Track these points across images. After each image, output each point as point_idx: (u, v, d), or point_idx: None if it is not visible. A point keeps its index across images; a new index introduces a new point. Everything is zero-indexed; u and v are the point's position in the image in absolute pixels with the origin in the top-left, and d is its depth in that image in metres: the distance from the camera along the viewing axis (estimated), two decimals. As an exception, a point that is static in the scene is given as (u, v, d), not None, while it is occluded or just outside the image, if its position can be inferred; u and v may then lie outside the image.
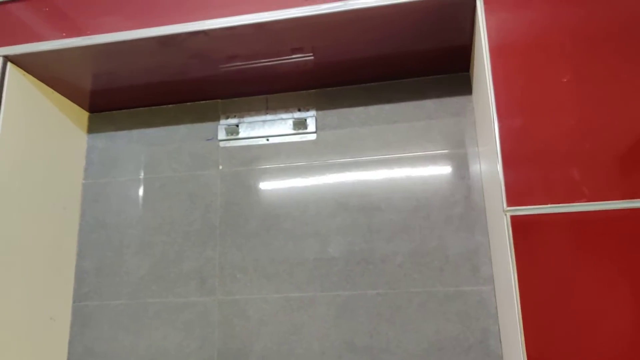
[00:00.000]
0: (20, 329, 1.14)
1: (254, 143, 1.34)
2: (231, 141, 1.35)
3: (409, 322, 1.16)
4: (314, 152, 1.30)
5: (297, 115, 1.33)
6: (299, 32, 1.12)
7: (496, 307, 1.13)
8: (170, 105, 1.41)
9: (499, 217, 0.91)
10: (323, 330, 1.19)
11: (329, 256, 1.23)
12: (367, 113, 1.30)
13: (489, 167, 1.02)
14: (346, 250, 1.22)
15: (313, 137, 1.31)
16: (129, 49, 1.13)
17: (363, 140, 1.28)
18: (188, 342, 1.24)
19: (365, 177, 1.26)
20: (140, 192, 1.37)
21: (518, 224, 0.85)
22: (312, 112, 1.32)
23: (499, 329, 1.11)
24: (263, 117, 1.34)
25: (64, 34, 1.12)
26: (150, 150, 1.39)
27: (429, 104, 1.27)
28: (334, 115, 1.32)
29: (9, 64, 1.16)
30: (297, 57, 1.22)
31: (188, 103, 1.41)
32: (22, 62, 1.18)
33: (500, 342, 1.10)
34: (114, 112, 1.44)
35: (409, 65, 1.25)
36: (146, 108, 1.43)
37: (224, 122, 1.36)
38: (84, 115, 1.44)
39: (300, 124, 1.31)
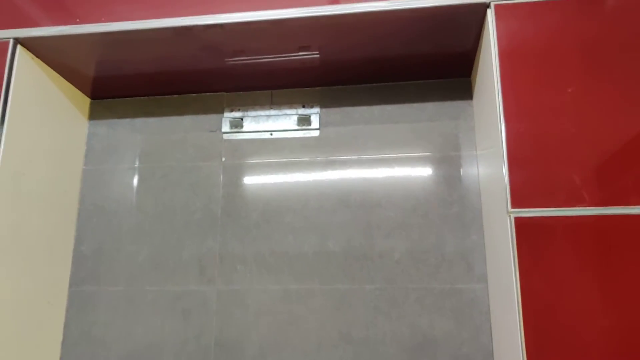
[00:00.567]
0: (18, 311, 1.14)
1: (257, 137, 1.36)
2: (235, 134, 1.37)
3: (405, 316, 1.20)
4: (317, 148, 1.33)
5: (302, 111, 1.35)
6: (310, 31, 1.14)
7: (488, 305, 1.17)
8: (174, 96, 1.42)
9: (502, 218, 0.95)
10: (320, 322, 1.22)
11: (328, 250, 1.26)
12: (370, 112, 1.33)
13: (491, 169, 1.07)
14: (345, 245, 1.26)
15: (316, 133, 1.34)
16: (143, 38, 1.14)
17: (365, 139, 1.32)
18: (186, 330, 1.26)
19: (367, 174, 1.29)
20: (141, 180, 1.37)
21: (522, 225, 0.90)
22: (316, 109, 1.35)
23: (491, 326, 1.16)
24: (267, 112, 1.37)
25: (78, 20, 1.12)
26: (153, 140, 1.40)
27: (430, 107, 1.31)
28: (337, 113, 1.35)
29: (18, 47, 1.16)
30: (303, 55, 1.24)
31: (193, 94, 1.42)
32: (32, 45, 1.17)
33: (492, 338, 1.15)
34: (116, 99, 1.44)
35: (412, 68, 1.29)
36: (150, 97, 1.43)
37: (228, 115, 1.38)
38: (86, 101, 1.44)
39: (304, 120, 1.33)
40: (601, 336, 0.84)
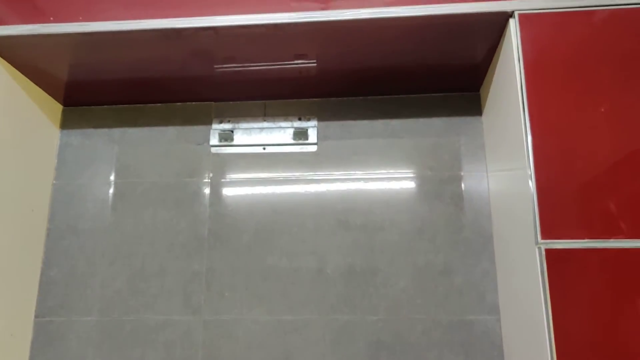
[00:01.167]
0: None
1: (249, 151, 1.25)
2: (224, 147, 1.25)
3: (411, 351, 1.10)
4: (314, 164, 1.23)
5: (298, 124, 1.25)
6: (308, 37, 1.05)
7: (501, 338, 1.09)
8: (157, 104, 1.30)
9: (528, 248, 0.86)
10: (317, 357, 1.12)
11: (326, 277, 1.16)
12: (372, 127, 1.24)
13: (510, 192, 0.98)
14: (345, 271, 1.16)
15: (314, 148, 1.24)
16: (126, 40, 1.02)
17: (367, 155, 1.22)
18: (167, 365, 1.14)
19: (368, 194, 1.20)
20: (119, 197, 1.25)
21: (554, 258, 0.81)
22: (314, 122, 1.25)
23: (504, 361, 1.07)
24: (260, 124, 1.26)
25: (52, 19, 1.00)
26: (133, 152, 1.27)
27: (437, 122, 1.23)
28: (336, 126, 1.25)
29: (-17, 46, 1.03)
30: (299, 63, 1.14)
31: (178, 103, 1.30)
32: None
33: (506, 375, 1.06)
34: (93, 107, 1.32)
35: (417, 81, 1.21)
36: (130, 105, 1.31)
37: (217, 127, 1.26)
38: (58, 108, 1.31)
39: (301, 134, 1.23)
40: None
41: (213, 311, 1.16)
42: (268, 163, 1.24)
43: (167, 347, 1.14)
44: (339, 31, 1.02)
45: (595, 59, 0.89)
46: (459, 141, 1.21)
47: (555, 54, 0.91)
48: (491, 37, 1.02)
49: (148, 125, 1.29)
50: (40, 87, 1.22)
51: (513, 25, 0.94)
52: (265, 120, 1.26)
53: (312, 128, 1.24)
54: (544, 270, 0.81)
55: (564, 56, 0.90)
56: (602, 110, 0.86)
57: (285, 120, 1.26)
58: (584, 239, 0.81)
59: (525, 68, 0.90)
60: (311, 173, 1.22)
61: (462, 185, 1.18)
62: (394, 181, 1.20)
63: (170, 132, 1.28)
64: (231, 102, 1.29)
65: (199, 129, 1.27)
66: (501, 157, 1.05)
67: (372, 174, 1.21)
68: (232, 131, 1.25)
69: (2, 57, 1.09)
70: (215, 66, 1.15)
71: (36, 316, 1.19)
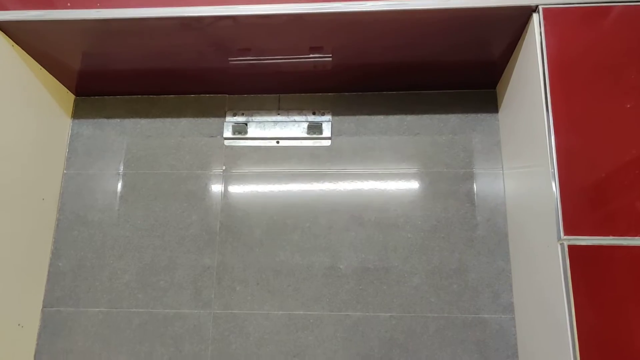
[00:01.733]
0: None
1: (262, 144, 1.24)
2: (237, 140, 1.24)
3: (424, 349, 1.08)
4: (328, 159, 1.21)
5: (312, 118, 1.24)
6: (326, 29, 1.04)
7: (515, 337, 1.07)
8: (171, 96, 1.29)
9: (549, 245, 0.85)
10: (329, 354, 1.10)
11: (339, 273, 1.14)
12: (387, 122, 1.23)
13: (530, 189, 0.97)
14: (359, 267, 1.14)
15: (328, 143, 1.22)
16: (143, 28, 1.01)
17: (381, 151, 1.21)
18: (176, 359, 1.12)
19: (382, 190, 1.18)
20: (130, 188, 1.23)
21: (577, 254, 0.79)
22: (328, 117, 1.24)
23: (519, 361, 1.05)
24: (274, 118, 1.24)
25: (69, 4, 0.98)
26: (144, 143, 1.26)
27: (453, 119, 1.21)
28: (351, 121, 1.23)
29: (-2, 31, 1.02)
30: (314, 57, 1.13)
31: (191, 95, 1.28)
32: (13, 30, 1.03)
33: (520, 375, 1.05)
34: (105, 97, 1.30)
35: (433, 77, 1.19)
36: (142, 96, 1.29)
37: (230, 119, 1.25)
38: (70, 97, 1.29)
39: (315, 128, 1.22)
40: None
41: (223, 305, 1.14)
42: (281, 157, 1.22)
43: (176, 341, 1.13)
44: (357, 23, 1.00)
45: (621, 54, 0.88)
46: (474, 138, 1.20)
47: (580, 49, 0.89)
48: (512, 32, 1.01)
49: (160, 116, 1.27)
50: (54, 75, 1.21)
51: (536, 20, 0.92)
52: (279, 114, 1.25)
53: (327, 122, 1.23)
54: (566, 267, 0.79)
55: (588, 52, 0.89)
56: (628, 106, 0.85)
57: (300, 114, 1.25)
58: (608, 235, 0.80)
59: (549, 64, 0.89)
60: (325, 168, 1.21)
61: (477, 182, 1.17)
62: (409, 177, 1.18)
63: (183, 124, 1.26)
64: (245, 95, 1.27)
65: (212, 121, 1.26)
66: (519, 155, 1.04)
67: (386, 169, 1.19)
68: (246, 124, 1.24)
69: (17, 44, 1.07)
70: (230, 58, 1.14)
71: (44, 306, 1.17)
